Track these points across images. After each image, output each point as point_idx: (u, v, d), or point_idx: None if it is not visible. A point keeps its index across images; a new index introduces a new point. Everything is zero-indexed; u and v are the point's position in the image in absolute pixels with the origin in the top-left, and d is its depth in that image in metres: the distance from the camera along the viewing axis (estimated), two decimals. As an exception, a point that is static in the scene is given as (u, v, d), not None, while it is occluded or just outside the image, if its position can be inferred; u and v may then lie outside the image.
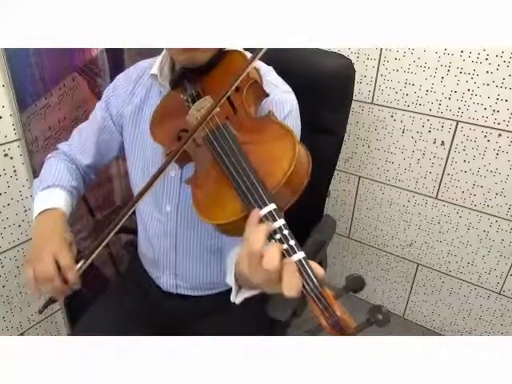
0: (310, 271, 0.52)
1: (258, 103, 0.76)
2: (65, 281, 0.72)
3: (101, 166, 1.01)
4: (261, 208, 0.55)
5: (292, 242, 0.53)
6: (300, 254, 0.53)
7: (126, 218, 0.67)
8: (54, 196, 0.86)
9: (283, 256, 0.53)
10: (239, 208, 0.59)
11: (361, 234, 1.67)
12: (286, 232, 0.54)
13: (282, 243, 0.53)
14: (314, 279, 0.52)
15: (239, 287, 0.69)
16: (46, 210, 0.82)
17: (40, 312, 0.80)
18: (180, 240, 0.89)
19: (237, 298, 0.68)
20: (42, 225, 0.82)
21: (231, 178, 0.60)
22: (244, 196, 0.57)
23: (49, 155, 0.97)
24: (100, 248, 0.69)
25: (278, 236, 0.54)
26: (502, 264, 1.40)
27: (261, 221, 0.55)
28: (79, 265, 0.72)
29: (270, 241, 0.54)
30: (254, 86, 0.73)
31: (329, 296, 0.51)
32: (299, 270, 0.52)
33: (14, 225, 1.17)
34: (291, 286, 0.51)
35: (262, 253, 0.52)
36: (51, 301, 0.77)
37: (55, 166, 0.92)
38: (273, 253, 0.52)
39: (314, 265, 0.53)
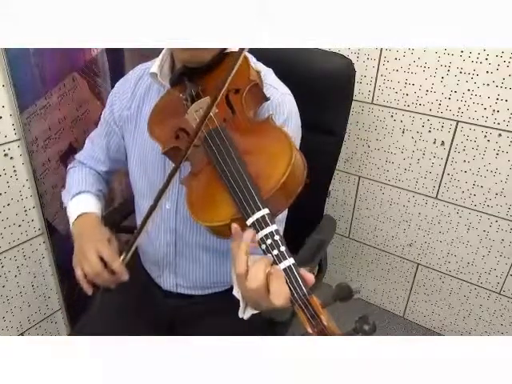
0: (298, 278, 0.51)
1: (258, 106, 0.75)
2: (112, 272, 0.78)
3: (117, 170, 1.04)
4: (254, 212, 0.55)
5: (282, 248, 0.53)
6: (289, 261, 0.52)
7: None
8: (83, 202, 0.92)
9: (275, 263, 0.53)
10: (232, 211, 0.58)
11: (361, 234, 1.67)
12: (277, 238, 0.53)
13: (273, 249, 0.53)
14: (303, 287, 0.51)
15: (246, 303, 0.67)
16: (80, 216, 0.89)
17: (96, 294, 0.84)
18: (179, 238, 0.89)
19: (245, 314, 0.66)
20: (79, 229, 0.88)
21: (226, 180, 0.59)
22: (238, 199, 0.57)
23: (69, 166, 1.02)
24: (137, 240, 0.76)
25: (269, 241, 0.53)
26: (502, 264, 1.40)
27: (244, 228, 0.55)
28: (122, 257, 0.78)
29: (260, 246, 0.54)
30: (254, 88, 0.72)
31: (316, 305, 0.51)
32: (288, 277, 0.52)
33: (14, 225, 1.17)
34: (279, 295, 0.51)
35: (247, 272, 0.53)
36: (106, 289, 0.83)
37: (77, 175, 0.97)
38: (256, 271, 0.52)
39: (304, 272, 0.53)
